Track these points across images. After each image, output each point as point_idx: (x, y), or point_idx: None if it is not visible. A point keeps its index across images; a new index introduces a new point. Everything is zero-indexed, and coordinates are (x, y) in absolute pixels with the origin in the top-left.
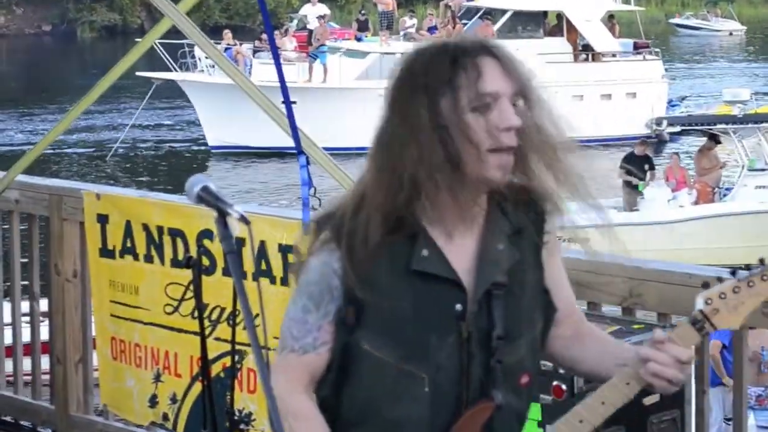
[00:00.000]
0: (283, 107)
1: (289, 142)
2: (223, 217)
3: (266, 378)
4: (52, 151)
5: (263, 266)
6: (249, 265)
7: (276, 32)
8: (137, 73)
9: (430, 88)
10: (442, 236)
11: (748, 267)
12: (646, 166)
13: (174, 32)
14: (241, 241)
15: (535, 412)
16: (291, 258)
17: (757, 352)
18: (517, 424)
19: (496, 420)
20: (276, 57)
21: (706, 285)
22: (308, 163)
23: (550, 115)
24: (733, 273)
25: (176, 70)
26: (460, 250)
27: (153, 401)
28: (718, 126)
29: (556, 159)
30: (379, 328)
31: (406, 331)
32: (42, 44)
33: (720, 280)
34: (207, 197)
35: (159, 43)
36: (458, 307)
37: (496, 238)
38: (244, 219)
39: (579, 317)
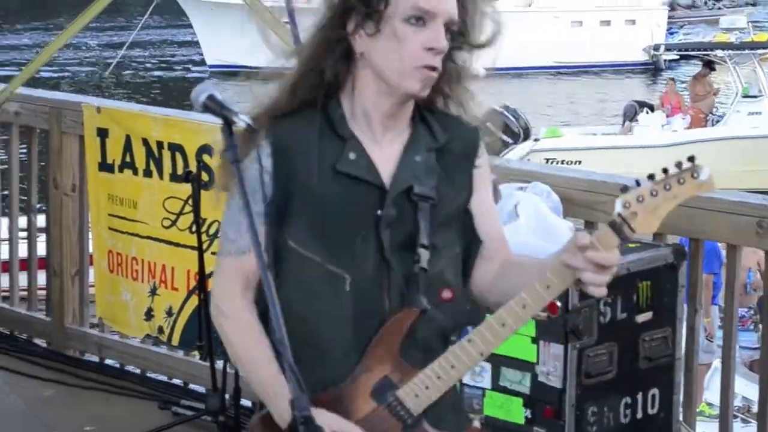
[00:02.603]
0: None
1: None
2: (228, 125)
3: (271, 291)
4: (50, 69)
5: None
6: None
7: None
8: None
9: None
10: (369, 141)
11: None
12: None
13: None
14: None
15: (529, 327)
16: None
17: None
18: (439, 338)
19: (420, 327)
20: None
21: (624, 189)
22: None
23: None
24: (651, 177)
25: None
26: (383, 157)
27: (149, 314)
28: (715, 52)
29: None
30: (305, 226)
31: (331, 230)
32: None
33: (638, 183)
34: (212, 105)
35: None
36: (379, 211)
37: (416, 149)
38: (250, 128)
39: (507, 253)
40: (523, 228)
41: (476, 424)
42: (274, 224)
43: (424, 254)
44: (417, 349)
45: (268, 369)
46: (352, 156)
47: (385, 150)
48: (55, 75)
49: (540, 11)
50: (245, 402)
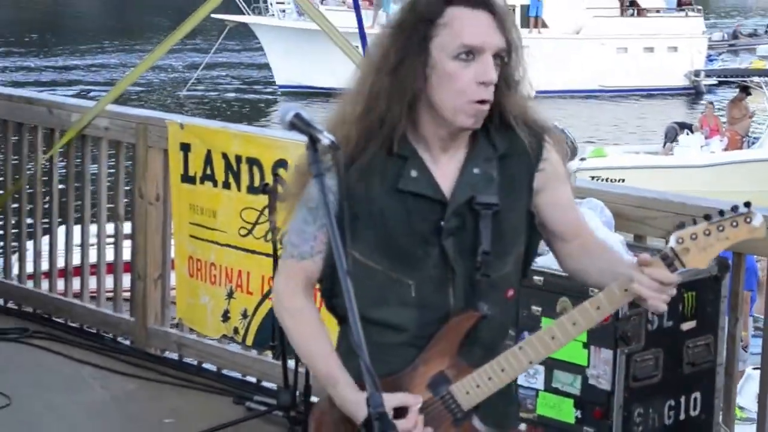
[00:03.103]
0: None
1: None
2: (313, 142)
3: (350, 298)
4: (133, 87)
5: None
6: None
7: None
8: (212, 15)
9: (422, 22)
10: (429, 159)
11: (734, 209)
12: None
13: None
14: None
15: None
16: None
17: None
18: (500, 335)
19: (481, 329)
20: (356, 5)
21: (681, 225)
22: None
23: (525, 72)
24: (707, 217)
25: (249, 14)
26: (444, 172)
27: (225, 316)
28: (751, 78)
29: (522, 101)
30: (370, 240)
31: (394, 243)
32: None
33: (695, 221)
34: (299, 123)
35: None
36: (442, 223)
37: (474, 162)
38: (333, 145)
39: (587, 236)
40: None
41: (522, 427)
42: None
43: (487, 260)
44: (477, 347)
45: (326, 361)
46: (413, 173)
47: (444, 165)
48: (141, 92)
49: (587, 38)
50: (315, 398)
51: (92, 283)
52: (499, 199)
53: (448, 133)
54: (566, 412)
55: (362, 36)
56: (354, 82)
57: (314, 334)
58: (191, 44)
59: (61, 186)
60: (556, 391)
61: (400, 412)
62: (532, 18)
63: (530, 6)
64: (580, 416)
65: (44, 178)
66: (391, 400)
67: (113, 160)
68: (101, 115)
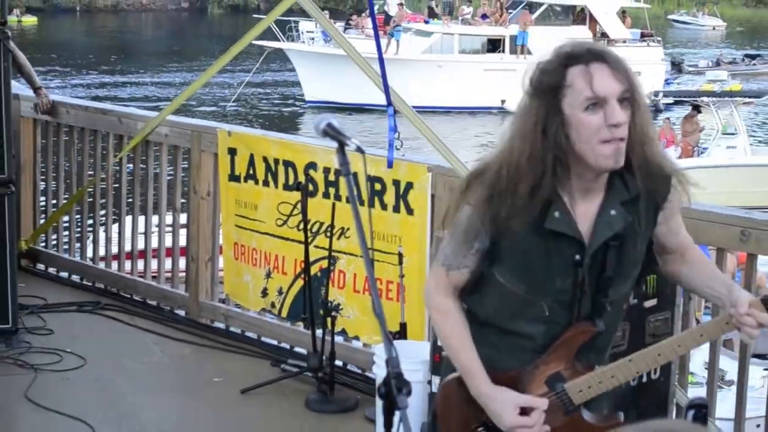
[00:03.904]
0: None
1: (370, 100)
2: (342, 147)
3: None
4: (189, 101)
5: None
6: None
7: (362, 14)
8: (254, 42)
9: (550, 92)
10: (570, 201)
11: None
12: None
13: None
14: (339, 172)
15: None
16: (379, 186)
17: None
18: (610, 341)
19: (596, 341)
20: (376, 33)
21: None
22: (395, 113)
23: (648, 111)
24: None
25: (283, 41)
26: (583, 214)
27: (264, 293)
28: (701, 99)
29: (652, 148)
30: (512, 267)
31: (532, 273)
32: (180, 18)
33: None
34: (330, 131)
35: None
36: (577, 257)
37: (611, 204)
38: (360, 149)
39: (691, 250)
40: None
41: (620, 417)
42: (486, 260)
43: (608, 282)
44: (591, 353)
45: (467, 356)
46: (557, 214)
47: (583, 207)
48: (195, 105)
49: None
50: (338, 362)
51: (153, 264)
52: (626, 232)
53: (591, 178)
54: None
55: (380, 59)
56: (506, 150)
57: (457, 330)
58: (236, 65)
59: (128, 183)
60: None
61: (526, 410)
62: (518, 46)
63: (517, 36)
64: None
65: (114, 177)
66: (519, 400)
67: (172, 161)
68: (162, 124)
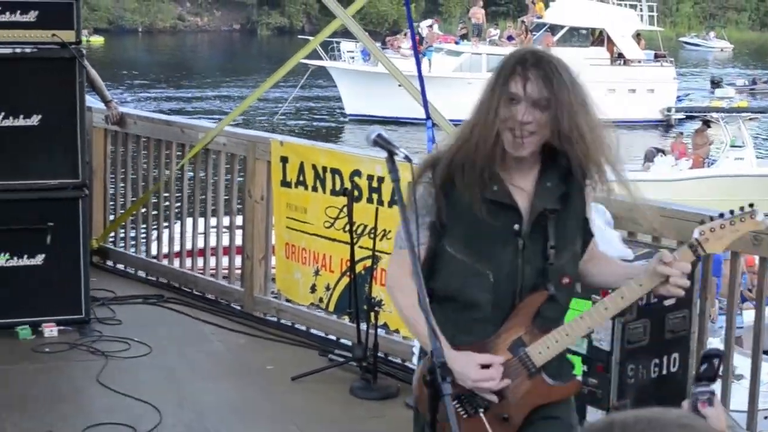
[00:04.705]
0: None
1: (405, 113)
2: (391, 156)
3: (418, 271)
4: (243, 114)
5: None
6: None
7: (396, 36)
8: (300, 61)
9: (498, 81)
10: (507, 178)
11: (741, 209)
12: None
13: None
14: (381, 179)
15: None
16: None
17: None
18: (561, 312)
19: (547, 306)
20: (416, 53)
21: (702, 222)
22: (433, 125)
23: (586, 115)
24: (721, 215)
25: (326, 59)
26: (520, 188)
27: (313, 288)
28: (711, 114)
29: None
30: (459, 238)
31: (477, 242)
32: (232, 38)
33: (711, 218)
34: (380, 141)
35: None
36: (516, 226)
37: (546, 178)
38: (407, 158)
39: (596, 249)
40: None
41: (578, 377)
42: (436, 235)
43: (552, 253)
44: (545, 319)
45: (423, 324)
46: (495, 188)
47: (517, 182)
48: (250, 117)
49: (586, 82)
50: (380, 353)
51: (212, 262)
52: (563, 205)
53: (514, 158)
54: (576, 367)
55: (420, 77)
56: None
57: (417, 306)
58: (285, 82)
59: (189, 187)
60: (568, 351)
61: (486, 367)
62: None
63: None
64: (586, 370)
65: (177, 182)
66: (479, 358)
67: (229, 169)
68: (221, 134)
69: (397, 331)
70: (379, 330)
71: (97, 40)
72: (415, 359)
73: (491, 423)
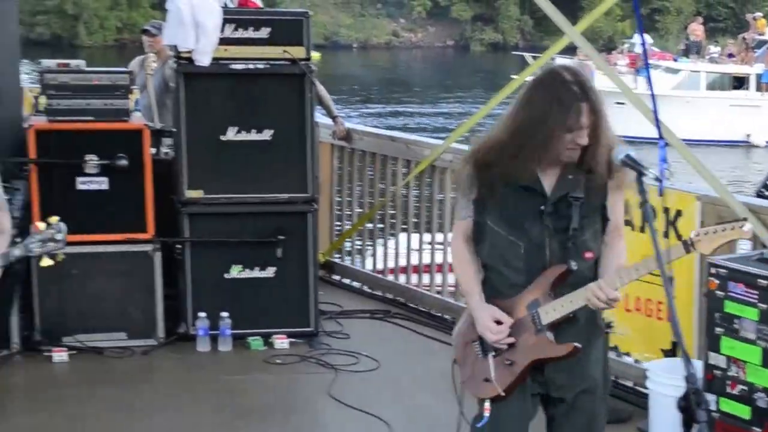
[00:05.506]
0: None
1: (621, 131)
2: (640, 177)
3: (672, 302)
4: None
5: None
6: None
7: (612, 53)
8: (512, 76)
9: (554, 103)
10: (539, 170)
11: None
12: None
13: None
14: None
15: None
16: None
17: None
18: (581, 283)
19: (570, 278)
20: (648, 73)
21: (701, 225)
22: (666, 145)
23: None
24: (718, 223)
25: None
26: (549, 178)
27: None
28: None
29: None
30: (497, 214)
31: (512, 218)
32: (446, 54)
33: (710, 225)
34: (629, 162)
35: (532, 55)
36: (542, 207)
37: (569, 172)
38: (658, 179)
39: (617, 235)
40: None
41: (579, 346)
42: (479, 210)
43: (574, 232)
44: (566, 289)
45: (468, 281)
46: (528, 176)
47: (548, 173)
48: (476, 134)
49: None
50: (612, 377)
51: (438, 278)
52: (585, 195)
53: (550, 159)
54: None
55: (652, 95)
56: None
57: (464, 264)
58: (507, 99)
59: (414, 202)
60: None
61: (499, 322)
62: (763, 84)
63: (762, 75)
64: None
65: (402, 197)
66: (496, 313)
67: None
68: (447, 150)
69: (627, 354)
70: (609, 353)
71: (315, 55)
72: (648, 383)
73: (498, 365)
